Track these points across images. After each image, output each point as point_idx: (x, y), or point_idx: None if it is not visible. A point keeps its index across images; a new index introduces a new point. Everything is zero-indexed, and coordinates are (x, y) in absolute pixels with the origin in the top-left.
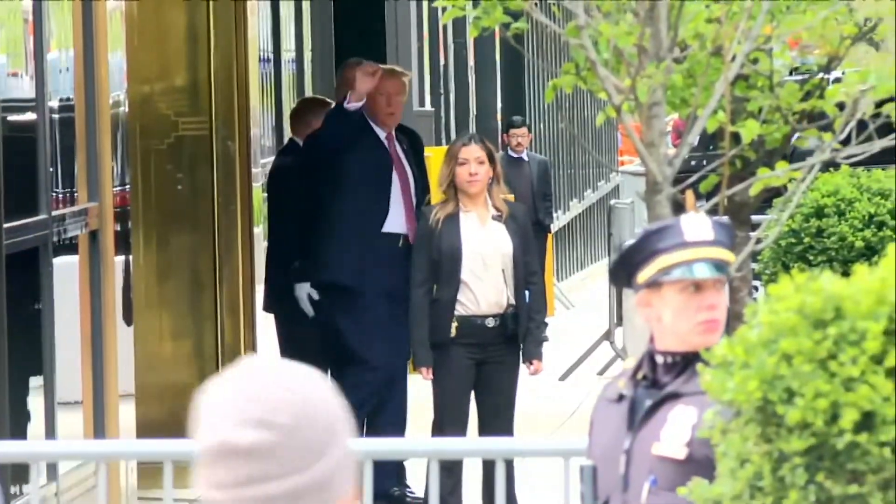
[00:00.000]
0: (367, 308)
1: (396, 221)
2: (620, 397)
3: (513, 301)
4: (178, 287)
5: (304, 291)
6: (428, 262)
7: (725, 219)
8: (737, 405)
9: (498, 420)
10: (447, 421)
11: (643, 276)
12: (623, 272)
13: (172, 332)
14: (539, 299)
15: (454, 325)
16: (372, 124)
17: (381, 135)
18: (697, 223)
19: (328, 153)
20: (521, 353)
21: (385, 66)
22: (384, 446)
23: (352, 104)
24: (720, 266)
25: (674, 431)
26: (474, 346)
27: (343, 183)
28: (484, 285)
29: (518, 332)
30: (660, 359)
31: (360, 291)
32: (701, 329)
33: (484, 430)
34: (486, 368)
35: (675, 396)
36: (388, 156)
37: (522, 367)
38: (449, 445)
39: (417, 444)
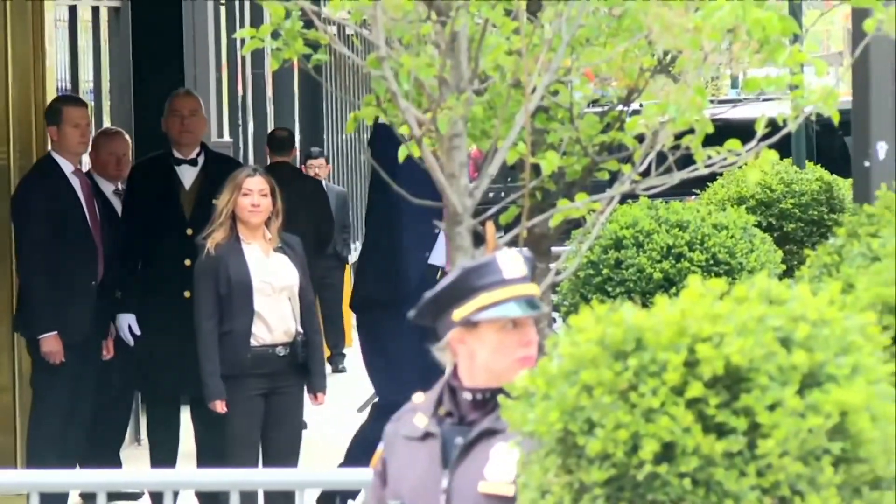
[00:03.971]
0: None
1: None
2: (426, 435)
3: (300, 329)
4: None
5: (126, 321)
6: (215, 294)
7: (528, 252)
8: (538, 436)
9: (286, 451)
10: (240, 453)
11: (460, 313)
12: (432, 309)
13: None
14: (322, 329)
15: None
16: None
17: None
18: (513, 260)
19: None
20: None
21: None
22: (186, 477)
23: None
24: (534, 302)
25: (499, 468)
26: (265, 376)
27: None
28: (273, 315)
29: (308, 362)
30: (467, 395)
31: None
32: (519, 366)
33: (270, 461)
34: (273, 399)
35: (491, 433)
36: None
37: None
38: (247, 476)
39: (215, 476)
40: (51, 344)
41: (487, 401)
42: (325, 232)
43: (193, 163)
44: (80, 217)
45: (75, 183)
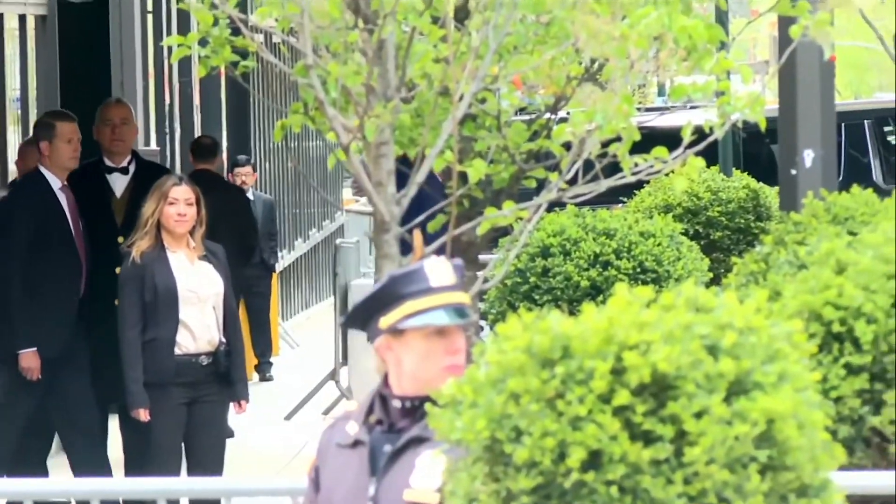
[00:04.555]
0: None
1: None
2: (356, 443)
3: (223, 339)
4: None
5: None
6: (140, 302)
7: (459, 260)
8: (465, 444)
9: (210, 460)
10: (163, 461)
11: (386, 321)
12: (362, 316)
13: None
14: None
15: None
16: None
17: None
18: (441, 268)
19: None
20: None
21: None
22: (111, 486)
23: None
24: (462, 311)
25: (424, 476)
26: (189, 385)
27: None
28: (199, 324)
29: (230, 370)
30: (397, 403)
31: None
32: (446, 374)
33: (194, 470)
34: (196, 408)
35: (419, 441)
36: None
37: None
38: (174, 485)
39: (142, 485)
40: (29, 360)
41: (416, 408)
42: (248, 240)
43: (125, 171)
44: (66, 232)
45: (62, 198)
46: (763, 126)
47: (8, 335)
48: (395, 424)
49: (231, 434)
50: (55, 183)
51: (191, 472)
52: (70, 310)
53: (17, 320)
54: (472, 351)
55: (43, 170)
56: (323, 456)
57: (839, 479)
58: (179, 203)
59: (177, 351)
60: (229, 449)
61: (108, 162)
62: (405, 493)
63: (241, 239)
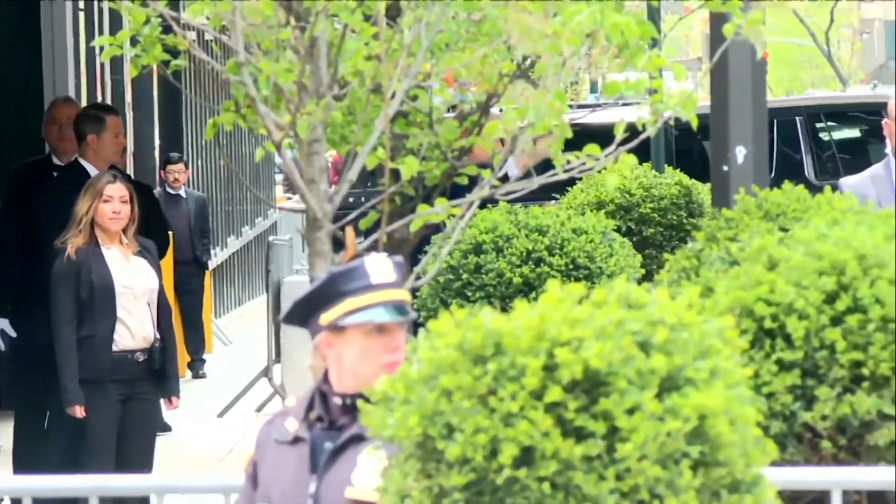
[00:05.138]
0: None
1: None
2: (296, 439)
3: (158, 335)
4: None
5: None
6: (74, 298)
7: (400, 258)
8: (397, 441)
9: (142, 458)
10: (97, 459)
11: (326, 317)
12: (302, 312)
13: None
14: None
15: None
16: None
17: None
18: (381, 265)
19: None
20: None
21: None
22: (44, 483)
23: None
24: (402, 308)
25: (365, 474)
26: (124, 381)
27: None
28: (135, 320)
29: (164, 367)
30: (337, 400)
31: None
32: (384, 371)
33: (125, 467)
34: (131, 405)
35: (360, 439)
36: None
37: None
38: (107, 482)
39: (75, 482)
40: None
41: (346, 406)
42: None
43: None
44: None
45: None
46: (695, 123)
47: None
48: (336, 422)
49: (169, 428)
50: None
51: (121, 469)
52: None
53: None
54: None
55: (84, 162)
56: (261, 452)
57: (771, 474)
58: (114, 200)
59: (114, 347)
60: (162, 446)
61: (55, 160)
62: (347, 491)
63: (149, 236)
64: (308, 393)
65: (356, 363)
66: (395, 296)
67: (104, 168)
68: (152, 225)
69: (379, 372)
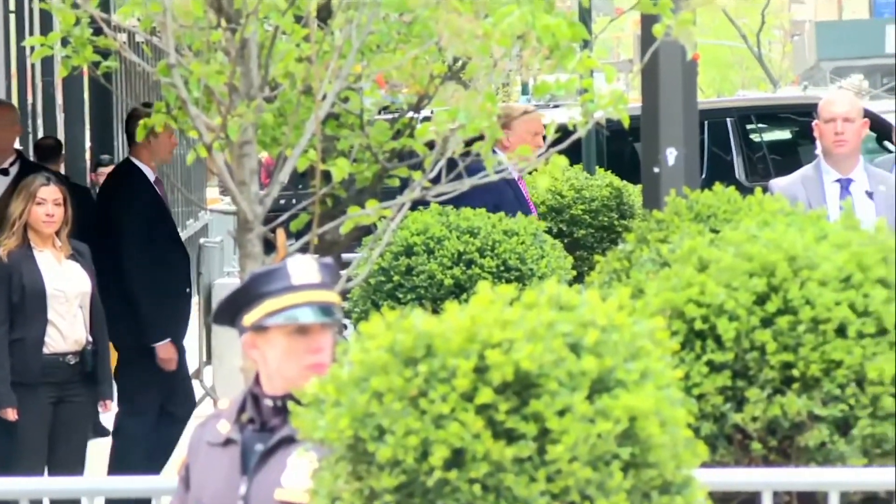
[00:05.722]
0: None
1: None
2: (227, 441)
3: (90, 338)
4: None
5: None
6: (6, 301)
7: (329, 259)
8: (328, 443)
9: (73, 461)
10: (28, 462)
11: (249, 318)
12: (228, 313)
13: None
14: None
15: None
16: None
17: None
18: (304, 266)
19: None
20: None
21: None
22: None
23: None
24: (327, 309)
25: (295, 476)
26: (56, 384)
27: None
28: (66, 323)
29: (96, 370)
30: (268, 402)
31: None
32: (308, 373)
33: (56, 470)
34: (62, 408)
35: (291, 440)
36: None
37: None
38: (37, 485)
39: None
40: (168, 351)
41: (278, 407)
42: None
43: (5, 172)
44: (171, 225)
45: (158, 190)
46: (626, 124)
47: (133, 332)
48: (268, 423)
49: (107, 433)
50: (150, 175)
51: (52, 471)
52: (187, 299)
53: (147, 314)
54: (335, 350)
55: (137, 162)
56: (193, 454)
57: (702, 476)
58: (48, 203)
59: (45, 350)
60: (93, 449)
61: None
62: (276, 493)
63: (86, 239)
64: (240, 395)
65: (280, 364)
66: (318, 297)
67: (154, 169)
68: (89, 228)
69: (304, 373)
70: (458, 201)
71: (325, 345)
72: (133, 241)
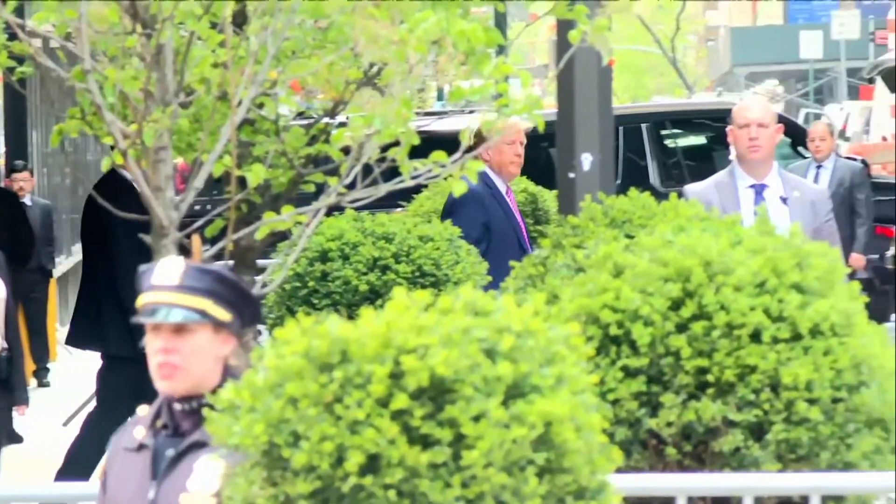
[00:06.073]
0: None
1: None
2: (140, 446)
3: (5, 344)
4: None
5: None
6: None
7: (220, 265)
8: (243, 449)
9: None
10: None
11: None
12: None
13: None
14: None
15: None
16: None
17: None
18: (168, 267)
19: None
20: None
21: None
22: None
23: None
24: (185, 312)
25: (201, 481)
26: None
27: None
28: None
29: (11, 376)
30: (178, 406)
31: None
32: (157, 372)
33: None
34: None
35: (200, 445)
36: None
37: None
38: None
39: None
40: None
41: (197, 411)
42: (23, 245)
43: None
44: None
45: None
46: (542, 129)
47: (126, 338)
48: (180, 427)
49: (20, 439)
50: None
51: None
52: None
53: None
54: (250, 356)
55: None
56: (111, 460)
57: (616, 481)
58: None
59: None
60: (6, 455)
61: None
62: (181, 498)
63: (15, 244)
64: (158, 400)
65: (151, 363)
66: (173, 299)
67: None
68: (18, 232)
69: (154, 372)
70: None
71: (180, 347)
72: (124, 249)
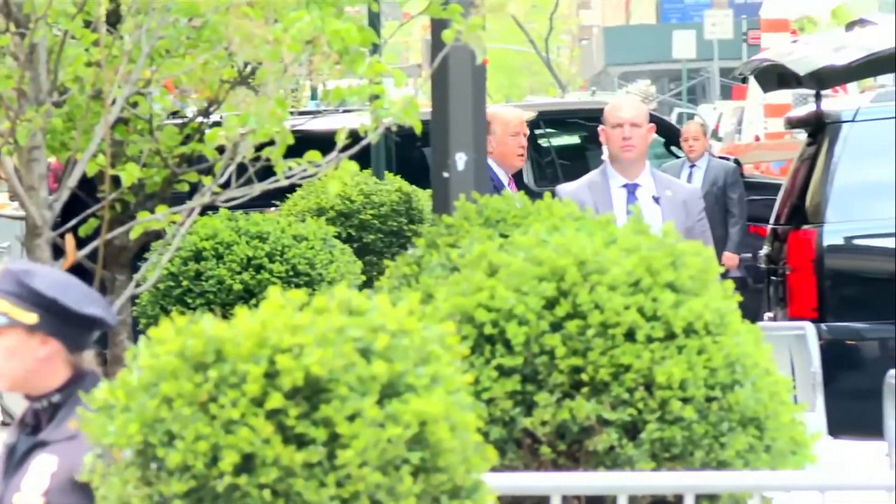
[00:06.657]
0: None
1: None
2: (6, 446)
3: None
4: None
5: None
6: None
7: (17, 266)
8: (118, 448)
9: None
10: None
11: None
12: None
13: None
14: None
15: None
16: None
17: None
18: None
19: None
20: None
21: None
22: None
23: None
24: None
25: (33, 480)
26: None
27: None
28: None
29: None
30: (35, 404)
31: None
32: None
33: None
34: None
35: (42, 444)
36: None
37: None
38: None
39: None
40: None
41: (47, 409)
42: None
43: None
44: None
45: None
46: (419, 129)
47: None
48: (40, 426)
49: None
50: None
51: None
52: None
53: None
54: (124, 355)
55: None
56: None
57: (491, 480)
58: None
59: None
60: None
61: None
62: (14, 497)
63: None
64: None
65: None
66: None
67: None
68: None
69: None
70: None
71: None
72: None
